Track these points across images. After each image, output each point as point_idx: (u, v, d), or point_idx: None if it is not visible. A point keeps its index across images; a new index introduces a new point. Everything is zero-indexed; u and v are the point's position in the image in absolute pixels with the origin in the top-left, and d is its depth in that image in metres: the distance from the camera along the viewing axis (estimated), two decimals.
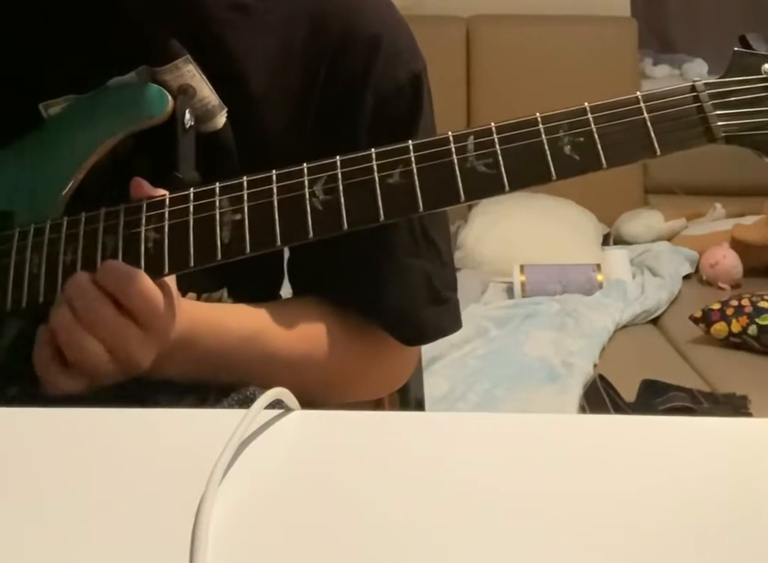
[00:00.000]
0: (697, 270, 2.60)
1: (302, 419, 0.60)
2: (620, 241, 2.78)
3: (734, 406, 1.86)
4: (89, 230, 0.72)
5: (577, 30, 2.96)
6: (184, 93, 0.77)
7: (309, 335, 0.83)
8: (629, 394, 1.92)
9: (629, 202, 2.83)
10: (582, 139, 0.69)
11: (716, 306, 2.18)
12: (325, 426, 0.61)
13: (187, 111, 0.76)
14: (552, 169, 0.68)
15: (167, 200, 0.72)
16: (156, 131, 0.76)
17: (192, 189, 0.72)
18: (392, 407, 1.61)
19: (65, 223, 0.73)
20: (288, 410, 0.60)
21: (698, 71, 3.01)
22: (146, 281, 0.68)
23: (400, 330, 0.86)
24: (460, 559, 0.47)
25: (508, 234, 2.56)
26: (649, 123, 0.68)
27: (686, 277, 2.57)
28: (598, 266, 2.47)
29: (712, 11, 3.15)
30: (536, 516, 0.50)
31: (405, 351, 0.90)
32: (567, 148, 0.69)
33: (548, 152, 0.68)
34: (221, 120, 0.79)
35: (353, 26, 0.82)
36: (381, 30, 0.82)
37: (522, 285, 2.42)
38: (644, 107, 0.69)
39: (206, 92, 0.78)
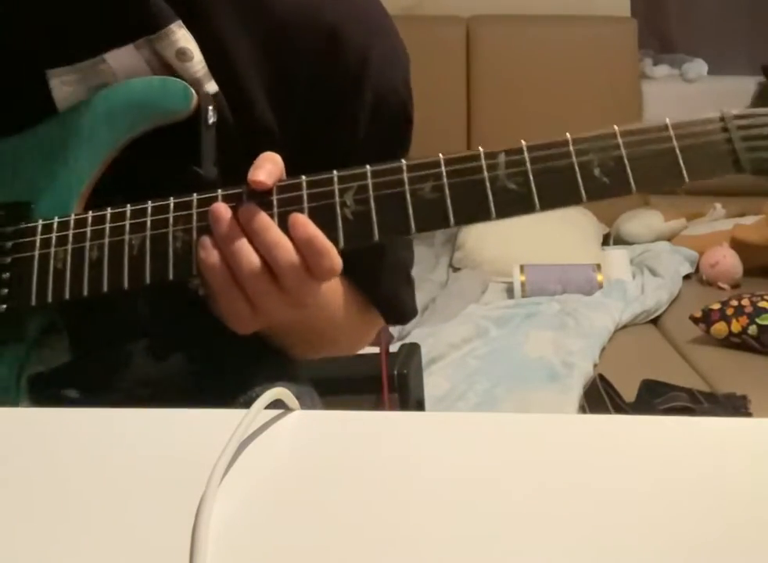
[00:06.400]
0: (697, 270, 2.60)
1: (302, 419, 0.60)
2: (620, 241, 2.78)
3: (734, 406, 1.86)
4: (115, 227, 0.72)
5: (577, 30, 2.97)
6: (182, 55, 0.77)
7: (344, 303, 0.87)
8: (629, 394, 1.92)
9: (630, 202, 2.83)
10: (612, 163, 0.69)
11: (716, 306, 2.18)
12: (325, 426, 0.61)
13: (210, 107, 0.77)
14: (582, 191, 0.69)
15: (195, 201, 0.72)
16: (174, 126, 0.77)
17: (219, 191, 0.72)
18: (393, 407, 1.62)
19: (90, 218, 0.73)
20: (288, 410, 0.60)
21: (697, 71, 3.01)
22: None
23: (390, 314, 0.93)
24: (460, 558, 0.47)
25: (508, 234, 2.56)
26: (678, 152, 0.69)
27: (686, 277, 2.57)
28: (598, 266, 2.47)
29: (712, 11, 3.15)
30: (536, 516, 0.50)
31: (380, 323, 0.96)
32: (597, 171, 0.69)
33: (579, 174, 0.69)
34: (213, 86, 0.79)
35: (345, 16, 0.82)
36: (372, 27, 0.84)
37: (522, 285, 2.42)
38: (673, 135, 0.69)
39: (200, 56, 0.78)
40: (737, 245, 2.56)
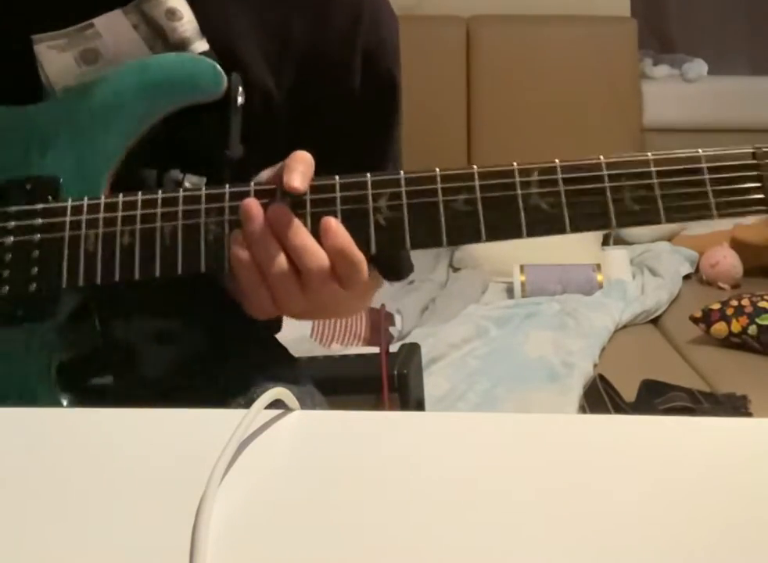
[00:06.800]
0: (697, 270, 2.60)
1: (302, 419, 0.60)
2: (620, 241, 2.78)
3: (734, 406, 1.86)
4: (146, 214, 0.72)
5: (577, 30, 2.96)
6: (171, 15, 0.77)
7: None
8: (629, 394, 1.92)
9: None
10: (644, 191, 0.69)
11: (716, 306, 2.18)
12: (325, 426, 0.61)
13: (240, 88, 0.77)
14: (613, 217, 0.69)
15: (227, 193, 0.72)
16: (200, 106, 0.77)
17: (252, 185, 0.72)
18: (393, 407, 1.61)
19: (120, 202, 0.72)
20: (288, 410, 0.60)
21: (697, 71, 3.01)
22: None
23: (389, 271, 0.92)
24: (460, 558, 0.47)
25: None
26: (709, 186, 0.69)
27: (686, 277, 2.57)
28: (598, 266, 2.47)
29: (712, 11, 3.15)
30: (536, 516, 0.50)
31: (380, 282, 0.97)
32: (628, 198, 0.69)
33: (610, 200, 0.69)
34: (203, 45, 0.79)
35: None
36: None
37: (522, 285, 2.42)
38: (705, 168, 0.69)
39: (191, 16, 0.78)
40: (737, 246, 2.56)
